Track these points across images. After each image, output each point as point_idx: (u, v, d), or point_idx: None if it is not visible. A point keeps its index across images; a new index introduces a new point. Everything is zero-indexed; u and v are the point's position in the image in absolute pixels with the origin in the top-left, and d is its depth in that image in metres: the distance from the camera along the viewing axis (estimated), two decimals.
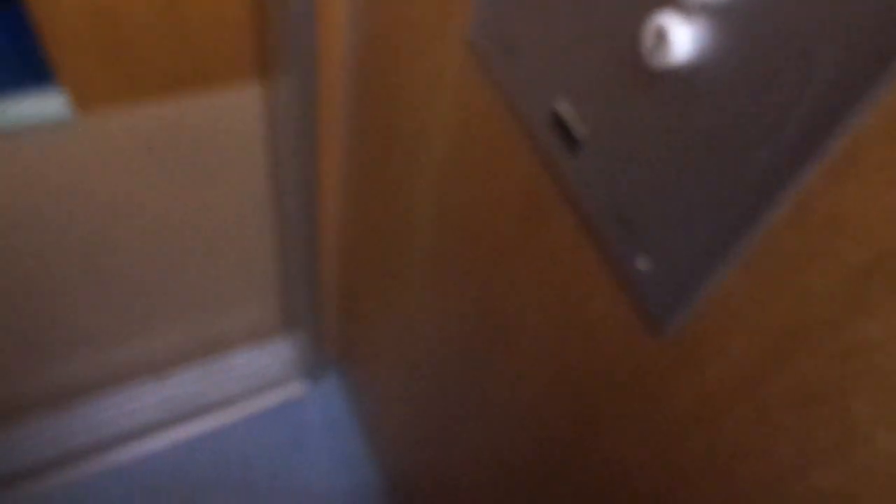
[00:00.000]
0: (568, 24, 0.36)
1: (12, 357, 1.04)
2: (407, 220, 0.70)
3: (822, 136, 0.24)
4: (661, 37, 0.29)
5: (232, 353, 1.30)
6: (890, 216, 0.23)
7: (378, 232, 0.82)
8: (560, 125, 0.39)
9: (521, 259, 0.49)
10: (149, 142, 0.82)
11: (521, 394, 0.55)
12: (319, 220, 0.91)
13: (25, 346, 1.03)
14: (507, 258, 0.51)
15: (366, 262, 0.91)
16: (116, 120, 0.77)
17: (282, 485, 1.18)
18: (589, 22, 0.34)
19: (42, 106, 0.71)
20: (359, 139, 0.77)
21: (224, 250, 1.05)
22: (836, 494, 0.28)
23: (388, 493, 1.18)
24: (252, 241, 1.07)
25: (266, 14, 0.74)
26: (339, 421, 1.26)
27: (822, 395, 0.28)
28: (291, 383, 1.29)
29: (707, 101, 0.29)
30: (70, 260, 0.92)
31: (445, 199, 0.59)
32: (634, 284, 0.37)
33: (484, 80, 0.46)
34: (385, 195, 0.74)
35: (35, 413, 1.18)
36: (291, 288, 1.11)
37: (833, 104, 0.24)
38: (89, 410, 1.21)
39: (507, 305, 0.54)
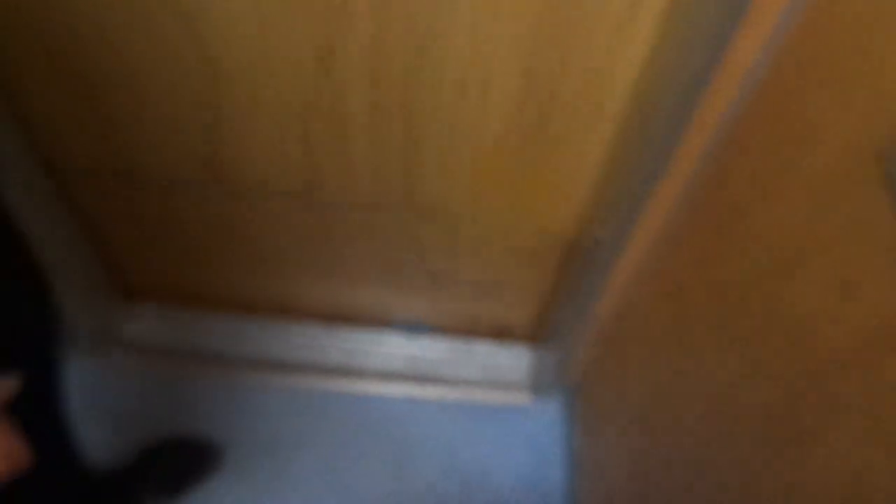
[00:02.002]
0: None
1: (309, 273, 1.21)
2: (722, 302, 0.69)
3: None
4: None
5: (480, 340, 1.37)
6: None
7: (679, 294, 0.81)
8: None
9: (855, 386, 0.46)
10: None
11: None
12: (619, 262, 0.93)
13: (323, 269, 1.19)
14: (836, 381, 0.49)
15: (648, 312, 0.91)
16: None
17: (474, 479, 1.23)
18: None
19: None
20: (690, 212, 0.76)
21: (513, 247, 1.11)
22: None
23: None
24: (540, 252, 1.12)
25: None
26: (550, 444, 1.27)
27: None
28: (521, 390, 1.33)
29: None
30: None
31: (775, 305, 0.57)
32: None
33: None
34: (708, 276, 0.73)
35: (306, 321, 1.36)
36: (561, 305, 1.14)
37: None
38: (347, 337, 1.37)
39: (813, 419, 0.51)
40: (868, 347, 0.46)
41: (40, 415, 0.72)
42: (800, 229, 0.55)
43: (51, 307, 0.71)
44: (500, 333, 1.37)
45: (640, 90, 0.77)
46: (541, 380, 1.29)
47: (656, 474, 0.84)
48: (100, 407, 1.23)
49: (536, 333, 1.35)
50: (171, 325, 1.35)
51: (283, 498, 1.18)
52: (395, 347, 1.37)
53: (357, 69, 0.80)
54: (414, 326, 1.37)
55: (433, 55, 0.77)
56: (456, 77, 0.79)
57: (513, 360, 1.37)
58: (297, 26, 0.75)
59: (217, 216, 1.08)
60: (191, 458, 1.18)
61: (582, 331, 1.10)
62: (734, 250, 0.67)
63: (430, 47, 0.76)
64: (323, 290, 1.28)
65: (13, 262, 0.66)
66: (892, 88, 0.45)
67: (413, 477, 1.22)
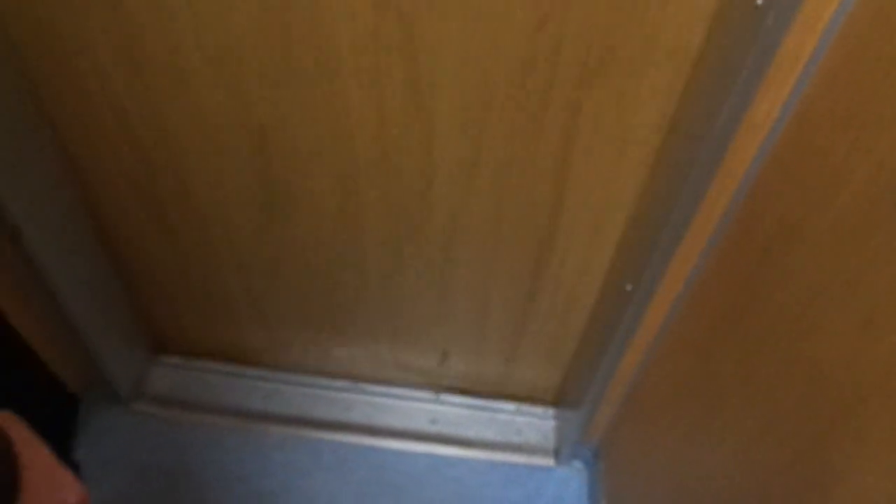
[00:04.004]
0: None
1: (329, 331, 1.23)
2: (745, 351, 0.70)
3: None
4: None
5: (504, 401, 1.38)
6: None
7: (701, 347, 0.82)
8: None
9: (878, 421, 0.48)
10: None
11: None
12: (644, 318, 0.95)
13: (345, 326, 1.22)
14: (859, 418, 0.50)
15: (671, 368, 0.92)
16: None
17: None
18: None
19: None
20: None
21: (539, 310, 1.14)
22: None
23: None
24: (565, 313, 1.14)
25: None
26: None
27: None
28: (544, 452, 1.32)
29: None
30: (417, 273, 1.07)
31: (797, 350, 0.59)
32: None
33: None
34: (730, 327, 0.75)
35: (331, 378, 1.38)
36: (584, 370, 1.15)
37: None
38: (371, 394, 1.38)
39: (838, 458, 0.52)
40: (889, 381, 0.48)
41: None
42: (823, 270, 0.58)
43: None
44: (524, 396, 1.37)
45: (664, 145, 0.81)
46: (564, 441, 1.29)
47: None
48: (125, 458, 1.25)
49: (560, 394, 1.35)
50: (198, 379, 1.38)
51: None
52: (419, 406, 1.37)
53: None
54: (438, 387, 1.38)
55: None
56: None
57: (536, 421, 1.37)
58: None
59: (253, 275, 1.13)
60: None
61: (605, 390, 1.11)
62: (757, 299, 0.69)
63: None
64: (349, 351, 1.31)
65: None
66: None
67: None
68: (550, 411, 1.38)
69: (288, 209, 0.99)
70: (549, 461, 1.31)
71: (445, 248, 1.03)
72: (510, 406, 1.38)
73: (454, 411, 1.37)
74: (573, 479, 1.30)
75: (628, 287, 0.92)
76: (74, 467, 0.52)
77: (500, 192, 0.92)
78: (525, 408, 1.38)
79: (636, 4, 0.68)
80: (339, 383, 1.38)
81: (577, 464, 1.32)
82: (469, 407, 1.38)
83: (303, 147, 0.88)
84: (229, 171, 0.94)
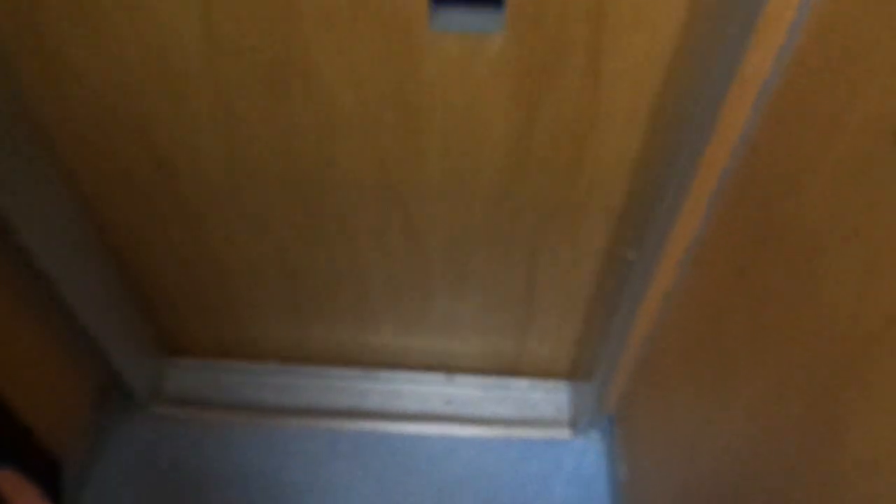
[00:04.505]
0: None
1: (344, 320, 1.24)
2: (753, 306, 0.70)
3: None
4: None
5: (517, 378, 1.38)
6: None
7: (710, 307, 0.82)
8: None
9: (887, 363, 0.48)
10: None
11: None
12: (651, 284, 0.95)
13: (359, 316, 1.23)
14: (868, 361, 0.50)
15: (681, 331, 0.92)
16: None
17: None
18: None
19: None
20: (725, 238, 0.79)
21: (546, 291, 1.14)
22: None
23: None
24: (571, 293, 1.14)
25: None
26: (593, 477, 1.27)
27: None
28: (560, 425, 1.33)
29: None
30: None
31: (803, 300, 0.59)
32: None
33: None
34: (738, 284, 0.75)
35: (345, 367, 1.39)
36: (595, 342, 1.16)
37: None
38: (386, 380, 1.39)
39: (850, 402, 0.52)
40: (894, 326, 0.48)
41: None
42: (823, 221, 0.57)
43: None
44: (537, 371, 1.38)
45: (661, 107, 0.81)
46: (579, 413, 1.29)
47: (702, 491, 0.84)
48: (146, 460, 1.26)
49: (573, 367, 1.35)
50: (212, 379, 1.39)
51: None
52: (433, 388, 1.38)
53: None
54: (451, 368, 1.38)
55: None
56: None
57: (550, 395, 1.37)
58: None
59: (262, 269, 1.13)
60: None
61: (618, 359, 1.11)
62: (761, 256, 0.69)
63: None
64: (362, 339, 1.31)
65: None
66: None
67: None
68: (564, 385, 1.39)
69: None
70: (565, 434, 1.32)
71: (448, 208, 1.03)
72: (523, 382, 1.39)
73: (468, 392, 1.38)
74: (590, 449, 1.31)
75: (631, 255, 0.92)
76: None
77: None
78: (539, 383, 1.39)
79: None
80: (352, 372, 1.39)
81: (594, 434, 1.32)
82: (482, 386, 1.38)
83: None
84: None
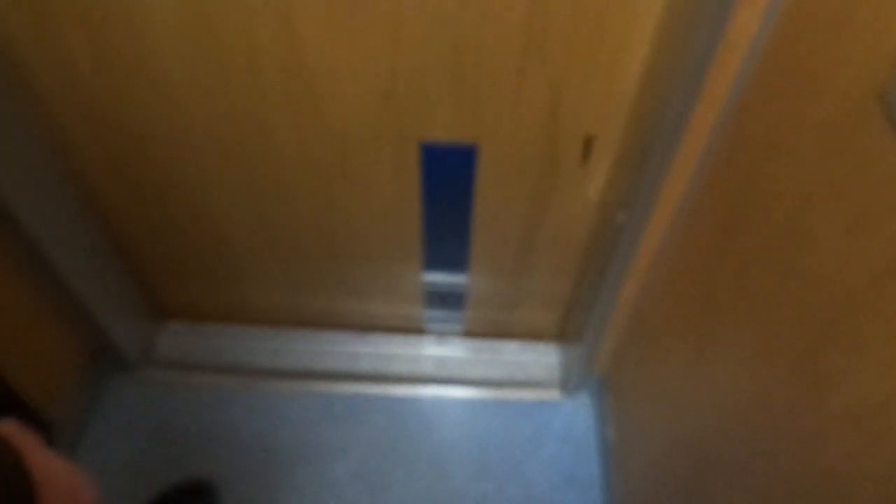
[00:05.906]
0: None
1: (333, 287, 1.24)
2: (741, 266, 0.71)
3: None
4: None
5: (507, 341, 1.39)
6: None
7: (699, 267, 0.83)
8: None
9: (871, 320, 0.48)
10: None
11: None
12: (640, 245, 0.95)
13: (343, 283, 1.23)
14: (853, 317, 0.50)
15: (670, 292, 0.93)
16: None
17: (508, 476, 1.24)
18: None
19: None
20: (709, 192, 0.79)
21: (537, 257, 1.14)
22: None
23: None
24: (561, 255, 1.14)
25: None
26: (583, 437, 1.28)
27: None
28: (550, 387, 1.34)
29: None
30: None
31: (790, 258, 0.59)
32: None
33: None
34: (725, 244, 0.75)
35: (337, 331, 1.40)
36: (584, 305, 1.16)
37: None
38: (377, 344, 1.39)
39: (836, 359, 0.53)
40: (877, 284, 0.48)
41: None
42: (809, 180, 0.57)
43: None
44: (527, 334, 1.39)
45: (649, 71, 0.80)
46: (569, 375, 1.31)
47: (689, 448, 0.86)
48: (139, 423, 1.27)
49: (562, 330, 1.36)
50: (205, 343, 1.39)
51: (322, 503, 1.20)
52: (424, 351, 1.39)
53: None
54: (442, 332, 1.39)
55: None
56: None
57: (540, 357, 1.39)
58: None
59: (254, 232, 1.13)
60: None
61: (607, 320, 1.12)
62: (749, 216, 0.69)
63: None
64: (351, 304, 1.32)
65: None
66: (887, 33, 0.47)
67: (448, 477, 1.24)
68: (554, 347, 1.40)
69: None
70: (555, 395, 1.34)
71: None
72: (514, 345, 1.40)
73: (459, 355, 1.39)
74: (580, 409, 1.33)
75: (620, 217, 0.92)
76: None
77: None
78: (529, 346, 1.40)
79: None
80: (345, 336, 1.40)
81: (584, 395, 1.34)
82: (474, 350, 1.40)
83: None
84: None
